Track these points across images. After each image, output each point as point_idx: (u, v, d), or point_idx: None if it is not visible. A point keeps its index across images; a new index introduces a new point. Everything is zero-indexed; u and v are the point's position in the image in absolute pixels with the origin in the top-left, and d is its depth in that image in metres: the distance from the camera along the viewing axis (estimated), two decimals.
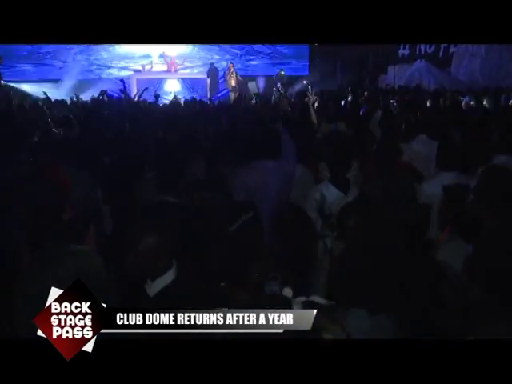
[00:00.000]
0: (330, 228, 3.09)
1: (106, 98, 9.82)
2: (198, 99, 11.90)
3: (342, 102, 9.62)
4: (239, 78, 16.53)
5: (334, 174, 3.76)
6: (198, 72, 17.25)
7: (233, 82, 16.22)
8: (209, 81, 16.46)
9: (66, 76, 16.15)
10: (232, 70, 16.35)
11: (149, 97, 11.26)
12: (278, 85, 14.61)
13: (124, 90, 9.15)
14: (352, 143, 4.42)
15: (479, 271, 1.68)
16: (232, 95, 15.67)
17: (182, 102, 12.16)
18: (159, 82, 16.36)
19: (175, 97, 13.72)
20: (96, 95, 11.49)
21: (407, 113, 7.15)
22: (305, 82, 15.71)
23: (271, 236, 2.64)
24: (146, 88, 10.98)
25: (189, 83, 16.80)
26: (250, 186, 3.81)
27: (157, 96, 10.76)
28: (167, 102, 12.36)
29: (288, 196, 3.98)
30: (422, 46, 16.30)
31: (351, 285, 1.96)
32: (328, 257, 2.70)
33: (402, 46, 16.94)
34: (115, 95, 10.67)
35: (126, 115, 7.02)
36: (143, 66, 17.02)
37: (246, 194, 3.75)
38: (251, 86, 17.08)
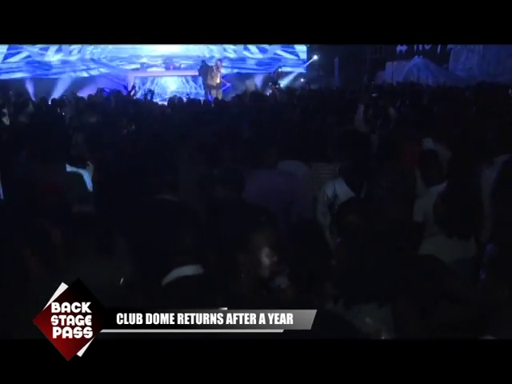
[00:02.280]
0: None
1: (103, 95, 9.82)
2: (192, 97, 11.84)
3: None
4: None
5: (349, 173, 3.73)
6: (195, 69, 17.17)
7: (217, 80, 15.38)
8: (201, 79, 16.09)
9: (62, 74, 16.10)
10: (220, 68, 15.60)
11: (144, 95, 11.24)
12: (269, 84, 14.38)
13: (125, 88, 9.17)
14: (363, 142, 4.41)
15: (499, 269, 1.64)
16: (214, 93, 15.06)
17: (177, 99, 12.11)
18: (156, 80, 16.31)
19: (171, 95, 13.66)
20: (93, 93, 11.48)
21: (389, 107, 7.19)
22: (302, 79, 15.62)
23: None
24: (135, 87, 10.93)
25: (186, 80, 16.74)
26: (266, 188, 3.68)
27: (151, 93, 10.73)
28: (164, 99, 12.33)
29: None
30: None
31: (356, 282, 1.95)
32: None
33: None
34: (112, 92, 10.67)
35: (124, 113, 7.01)
36: (141, 63, 16.96)
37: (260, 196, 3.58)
38: (249, 83, 16.95)
